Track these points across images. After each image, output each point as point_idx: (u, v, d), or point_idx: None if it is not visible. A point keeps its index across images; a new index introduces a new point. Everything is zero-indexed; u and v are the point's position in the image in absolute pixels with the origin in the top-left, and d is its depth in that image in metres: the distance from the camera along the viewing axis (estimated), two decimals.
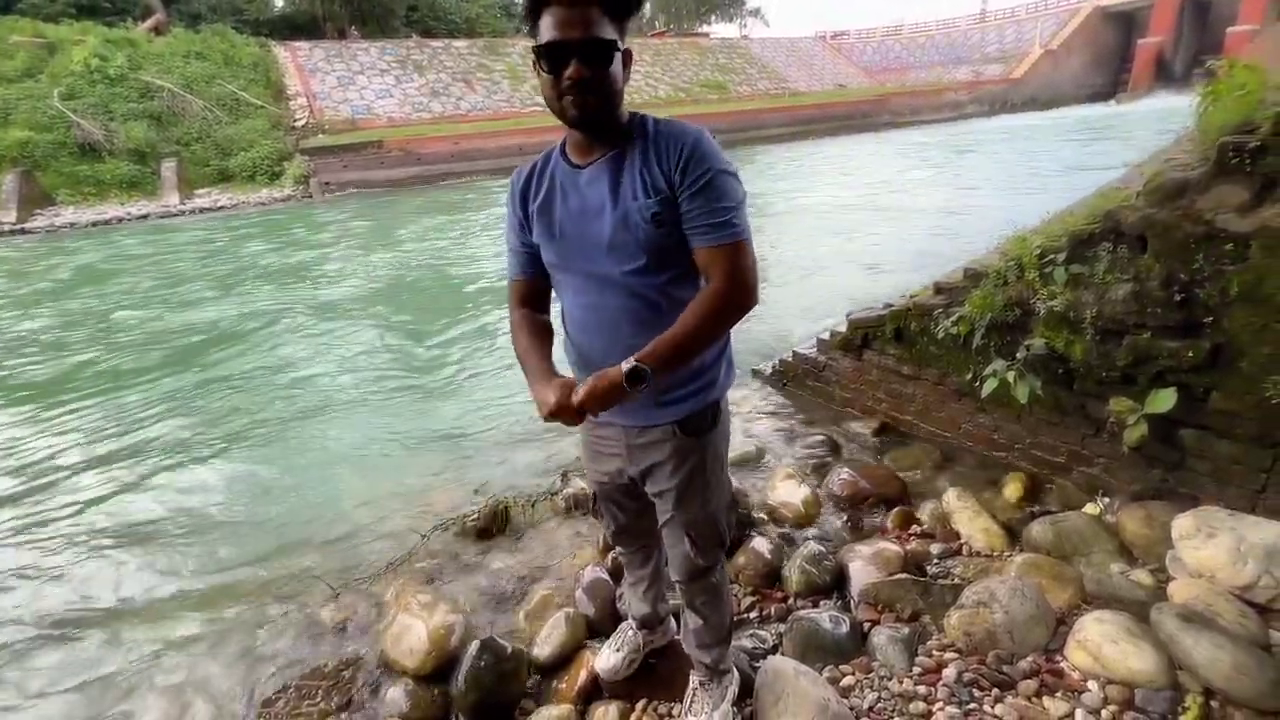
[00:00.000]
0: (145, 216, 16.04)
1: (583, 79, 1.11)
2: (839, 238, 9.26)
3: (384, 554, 2.95)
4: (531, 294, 1.41)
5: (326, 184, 18.37)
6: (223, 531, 3.34)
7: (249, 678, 2.34)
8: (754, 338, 5.26)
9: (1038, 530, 2.35)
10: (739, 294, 1.19)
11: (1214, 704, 1.59)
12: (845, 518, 2.77)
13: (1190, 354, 2.27)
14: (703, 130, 1.22)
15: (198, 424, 4.67)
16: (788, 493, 2.91)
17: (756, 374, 4.46)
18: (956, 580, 2.23)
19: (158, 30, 24.34)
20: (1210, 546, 1.94)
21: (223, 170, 19.07)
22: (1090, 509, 2.59)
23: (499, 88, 27.65)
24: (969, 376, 3.05)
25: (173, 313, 7.72)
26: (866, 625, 2.05)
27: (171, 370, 5.77)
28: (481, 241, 11.19)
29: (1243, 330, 2.16)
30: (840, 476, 2.99)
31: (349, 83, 24.67)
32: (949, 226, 9.09)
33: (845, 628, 2.01)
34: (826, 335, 3.95)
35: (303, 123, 22.00)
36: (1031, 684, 1.73)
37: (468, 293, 7.97)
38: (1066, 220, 2.83)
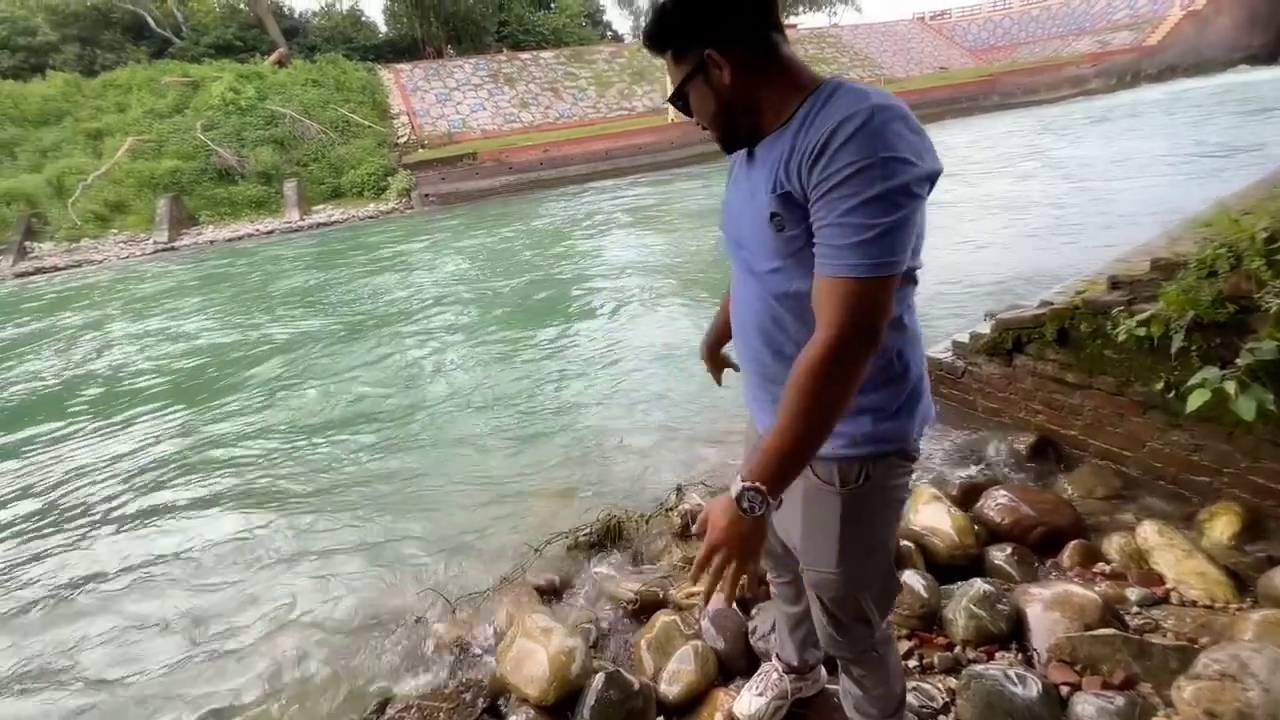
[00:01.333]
0: (271, 232, 17.57)
1: (699, 121, 1.13)
2: (967, 227, 8.51)
3: (496, 567, 2.88)
4: None
5: (427, 195, 19.32)
6: (336, 538, 3.40)
7: (368, 691, 2.32)
8: None
9: (1278, 579, 1.89)
10: (850, 344, 0.90)
11: None
12: (1010, 550, 2.38)
13: None
14: (876, 108, 0.88)
15: (315, 424, 4.88)
16: (934, 518, 2.55)
17: None
18: (1177, 639, 1.82)
19: (281, 63, 26.61)
20: None
21: (335, 187, 20.52)
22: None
23: (585, 95, 28.09)
24: (1160, 386, 2.57)
25: (283, 322, 8.28)
26: (1064, 690, 1.70)
27: (289, 377, 6.12)
28: (575, 241, 11.32)
29: None
30: (997, 500, 2.60)
31: (446, 99, 25.90)
32: (1066, 219, 8.13)
33: (1036, 691, 1.67)
34: (965, 337, 3.53)
35: (405, 139, 23.30)
36: None
37: (567, 294, 8.01)
38: (1269, 206, 2.30)
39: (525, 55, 29.30)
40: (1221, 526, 2.34)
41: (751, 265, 1.11)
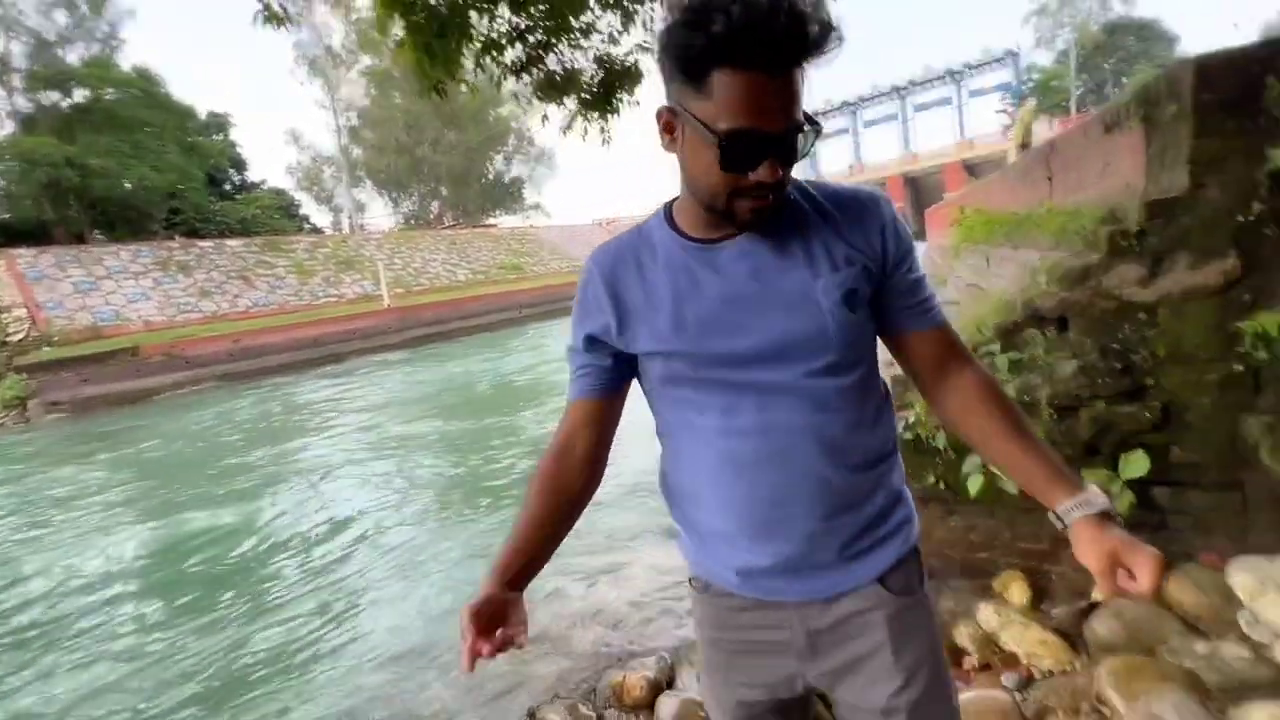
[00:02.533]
0: None
1: (778, 181, 0.78)
2: None
3: None
4: (596, 419, 1.00)
5: (53, 403, 14.80)
6: None
7: None
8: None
9: (1102, 628, 2.16)
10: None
11: None
12: None
13: (1146, 415, 2.41)
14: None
15: None
16: None
17: None
18: (1067, 714, 1.88)
19: None
20: None
21: None
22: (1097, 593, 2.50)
23: (284, 282, 25.99)
24: (932, 480, 2.97)
25: None
26: None
27: None
28: (267, 441, 9.54)
29: (1181, 386, 2.36)
30: None
31: (91, 288, 21.26)
32: None
33: None
34: None
35: (19, 337, 18.05)
36: None
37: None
38: (975, 318, 3.05)
39: (206, 243, 26.27)
40: (1016, 594, 2.66)
41: (781, 374, 0.88)
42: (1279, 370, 2.21)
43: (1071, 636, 2.26)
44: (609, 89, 5.58)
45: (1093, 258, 2.47)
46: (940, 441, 2.83)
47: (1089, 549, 0.81)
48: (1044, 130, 18.77)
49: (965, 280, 4.67)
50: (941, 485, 2.94)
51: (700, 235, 0.91)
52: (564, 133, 5.84)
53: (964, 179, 39.07)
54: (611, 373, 0.97)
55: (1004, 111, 42.59)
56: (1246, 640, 1.96)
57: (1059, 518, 0.85)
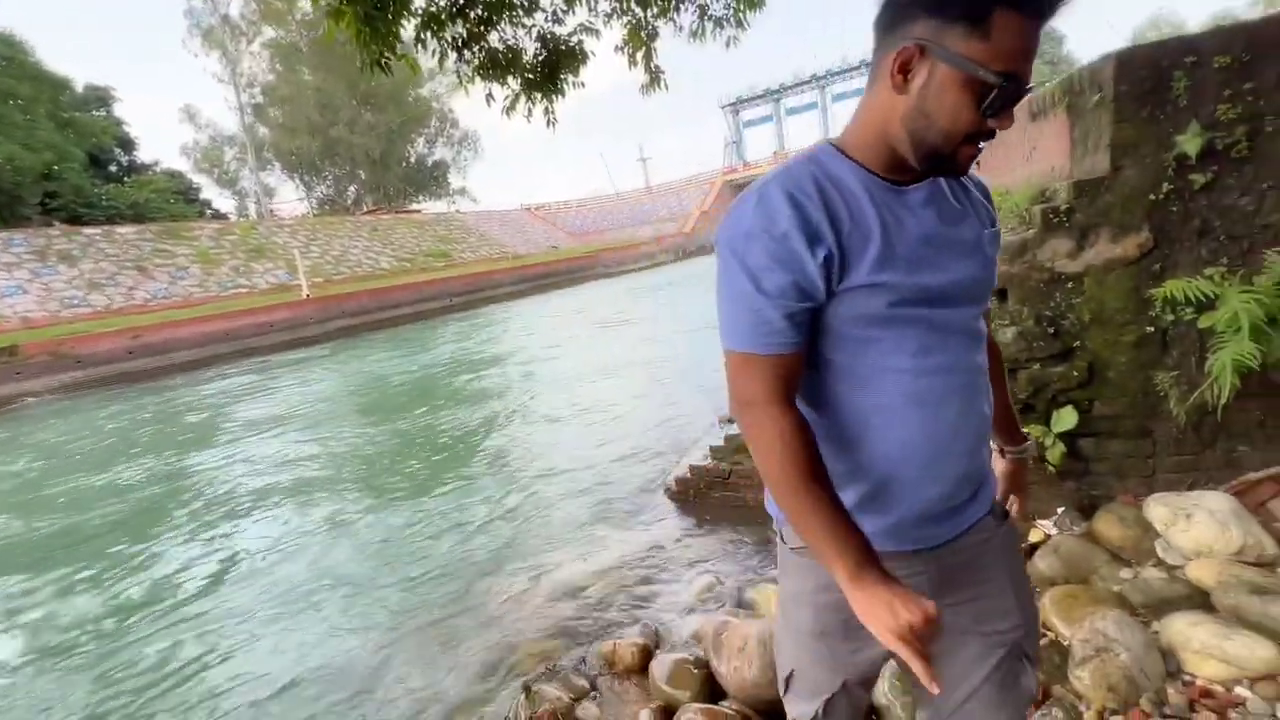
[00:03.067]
0: None
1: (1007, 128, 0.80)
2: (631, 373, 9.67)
3: None
4: (795, 380, 0.87)
5: None
6: None
7: None
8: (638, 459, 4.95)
9: (1042, 563, 2.41)
10: None
11: None
12: None
13: (1074, 374, 2.69)
14: None
15: None
16: None
17: (655, 497, 4.12)
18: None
19: None
20: (1195, 526, 2.17)
21: None
22: (1036, 534, 2.78)
23: (187, 273, 24.06)
24: None
25: None
26: None
27: None
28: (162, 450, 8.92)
29: (1102, 347, 2.65)
30: None
31: None
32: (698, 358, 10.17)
33: None
34: (721, 442, 3.86)
35: None
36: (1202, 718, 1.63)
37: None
38: None
39: (92, 230, 23.87)
40: None
41: (966, 314, 0.92)
42: (1182, 330, 2.53)
43: None
44: (553, 69, 5.52)
45: (1029, 233, 2.72)
46: None
47: (1004, 481, 1.15)
48: None
49: None
50: None
51: (891, 176, 0.87)
52: (507, 113, 5.73)
53: None
54: (809, 322, 0.85)
55: None
56: (1162, 564, 2.25)
57: (1003, 454, 1.16)
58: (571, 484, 4.89)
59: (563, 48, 5.60)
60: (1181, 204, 2.44)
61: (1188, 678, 1.77)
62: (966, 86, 0.74)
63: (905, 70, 0.78)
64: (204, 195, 39.14)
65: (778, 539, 1.06)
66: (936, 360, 0.88)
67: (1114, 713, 1.70)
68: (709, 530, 3.63)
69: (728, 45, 5.95)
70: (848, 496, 0.89)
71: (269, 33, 42.15)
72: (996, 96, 0.74)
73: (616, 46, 5.57)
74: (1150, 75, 2.39)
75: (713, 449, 3.87)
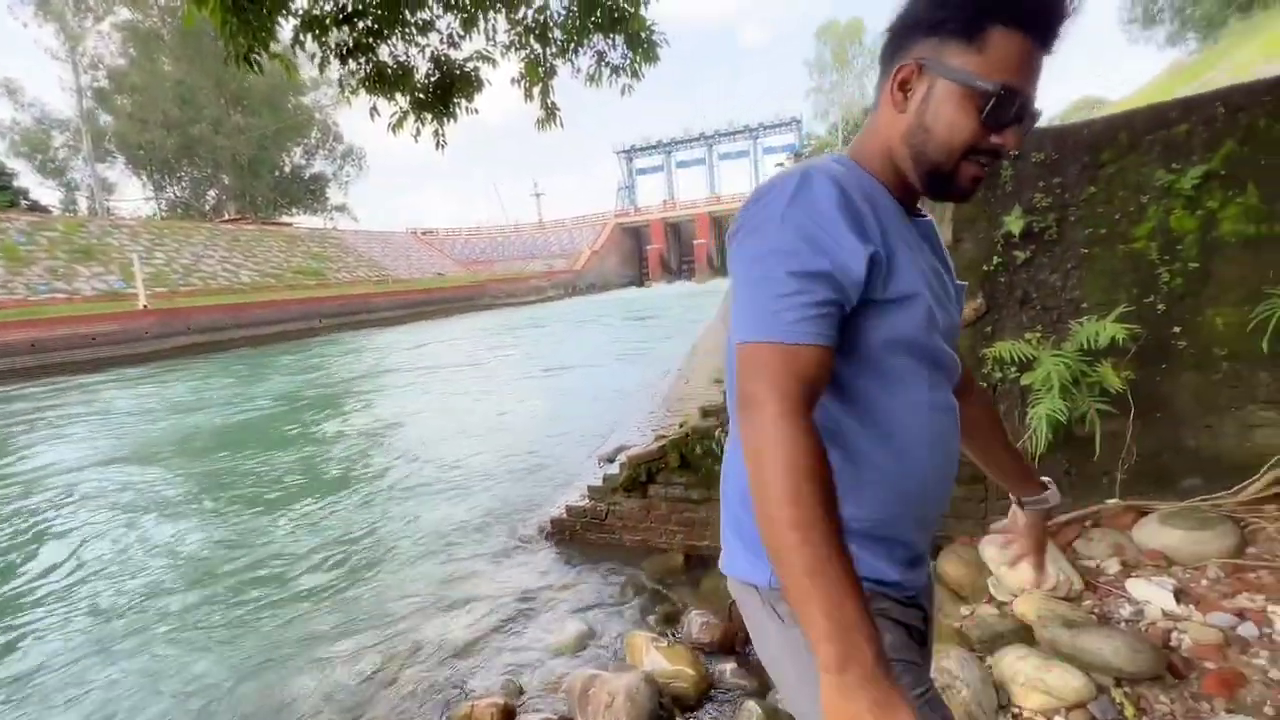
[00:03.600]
0: None
1: (1002, 152, 0.77)
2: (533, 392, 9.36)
3: None
4: (816, 388, 0.71)
5: None
6: None
7: None
8: (502, 499, 4.68)
9: None
10: None
11: (1127, 690, 1.88)
12: (733, 664, 2.49)
13: None
14: None
15: None
16: (661, 661, 2.49)
17: (526, 541, 3.92)
18: None
19: None
20: (1019, 566, 2.39)
21: None
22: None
23: None
24: None
25: None
26: None
27: None
28: None
29: None
30: (697, 622, 2.73)
31: None
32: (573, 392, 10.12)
33: None
34: (599, 482, 3.78)
35: None
36: None
37: None
38: None
39: None
40: None
41: (953, 360, 0.88)
42: (1008, 387, 2.84)
43: None
44: (445, 91, 5.39)
45: None
46: None
47: (1028, 535, 1.14)
48: None
49: None
50: None
51: (905, 205, 0.84)
52: (393, 130, 5.48)
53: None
54: (838, 324, 0.73)
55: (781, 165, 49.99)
56: (994, 601, 2.46)
57: (1021, 505, 1.12)
58: (432, 532, 4.54)
59: (457, 72, 5.49)
60: (1008, 275, 2.78)
61: (1015, 710, 1.91)
62: (964, 98, 0.74)
63: (904, 88, 0.78)
64: (20, 183, 33.67)
65: (764, 605, 0.83)
66: (943, 396, 0.84)
67: None
68: (583, 575, 3.50)
69: (623, 93, 6.14)
70: (864, 538, 0.80)
71: (124, 14, 37.91)
72: (995, 105, 0.72)
73: (513, 79, 5.55)
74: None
75: (590, 489, 3.78)
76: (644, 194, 59.64)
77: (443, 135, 5.68)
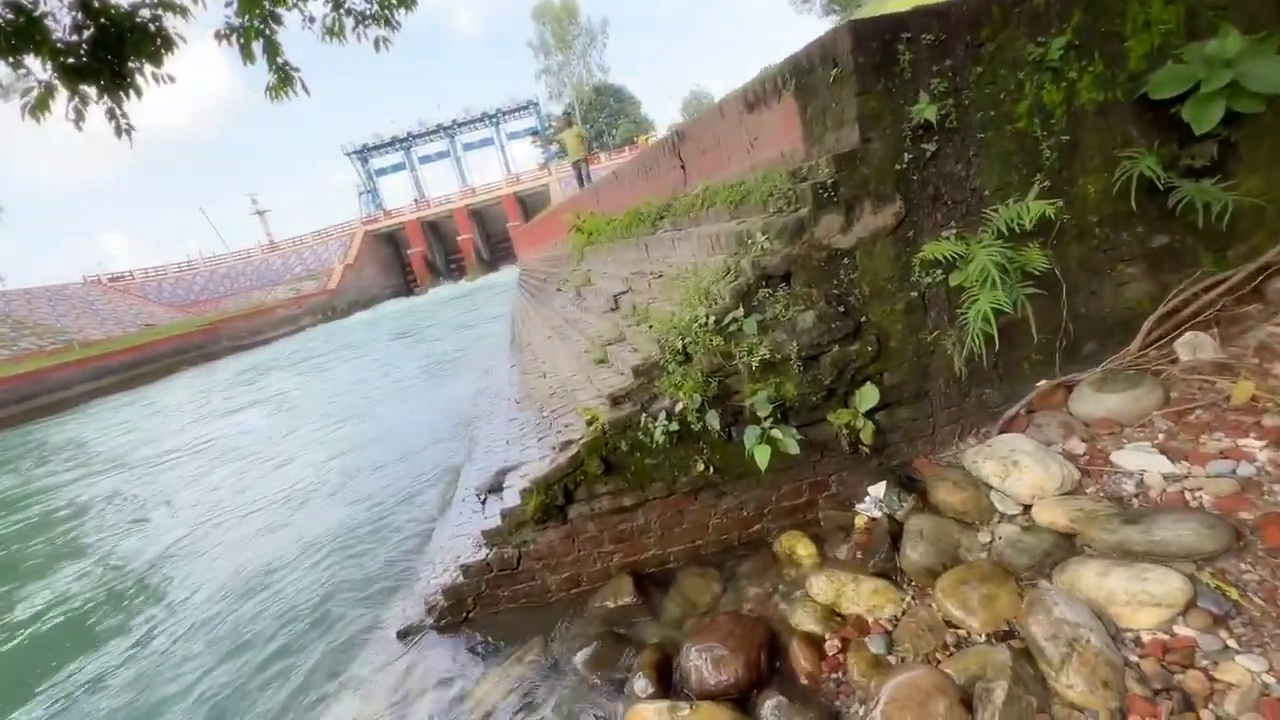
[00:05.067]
0: None
1: None
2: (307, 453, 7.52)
3: None
4: None
5: None
6: None
7: None
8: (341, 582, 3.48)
9: (916, 553, 2.21)
10: None
11: (1211, 570, 1.73)
12: (777, 699, 1.93)
13: (867, 348, 2.63)
14: None
15: None
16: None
17: (412, 634, 2.90)
18: (937, 650, 1.82)
19: None
20: (1025, 471, 2.21)
21: None
22: (860, 520, 2.66)
23: None
24: (701, 467, 2.74)
25: None
26: None
27: None
28: None
29: (882, 317, 2.65)
30: (695, 661, 2.12)
31: None
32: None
33: None
34: (495, 522, 2.91)
35: None
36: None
37: None
38: (696, 290, 2.93)
39: None
40: (803, 549, 2.65)
41: None
42: (935, 291, 2.67)
43: (890, 574, 2.28)
44: (113, 52, 3.77)
45: (803, 211, 2.58)
46: (711, 423, 2.61)
47: None
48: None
49: (627, 270, 4.76)
50: (710, 470, 2.74)
51: None
52: (33, 115, 3.71)
53: (517, 208, 43.87)
54: None
55: (539, 146, 50.01)
56: (1006, 518, 2.25)
57: None
58: (248, 668, 3.23)
59: (125, 23, 3.90)
60: (919, 173, 2.56)
61: (1131, 634, 1.66)
62: None
63: None
64: None
65: None
66: None
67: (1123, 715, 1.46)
68: (511, 655, 2.63)
69: (377, 47, 4.98)
70: None
71: None
72: None
73: (219, 33, 4.11)
74: (880, 48, 2.45)
75: (487, 534, 2.89)
76: (391, 196, 54.70)
77: (124, 118, 4.03)
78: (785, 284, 2.64)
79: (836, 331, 2.59)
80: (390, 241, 49.21)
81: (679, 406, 2.63)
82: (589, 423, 2.82)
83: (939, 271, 2.62)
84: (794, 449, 2.49)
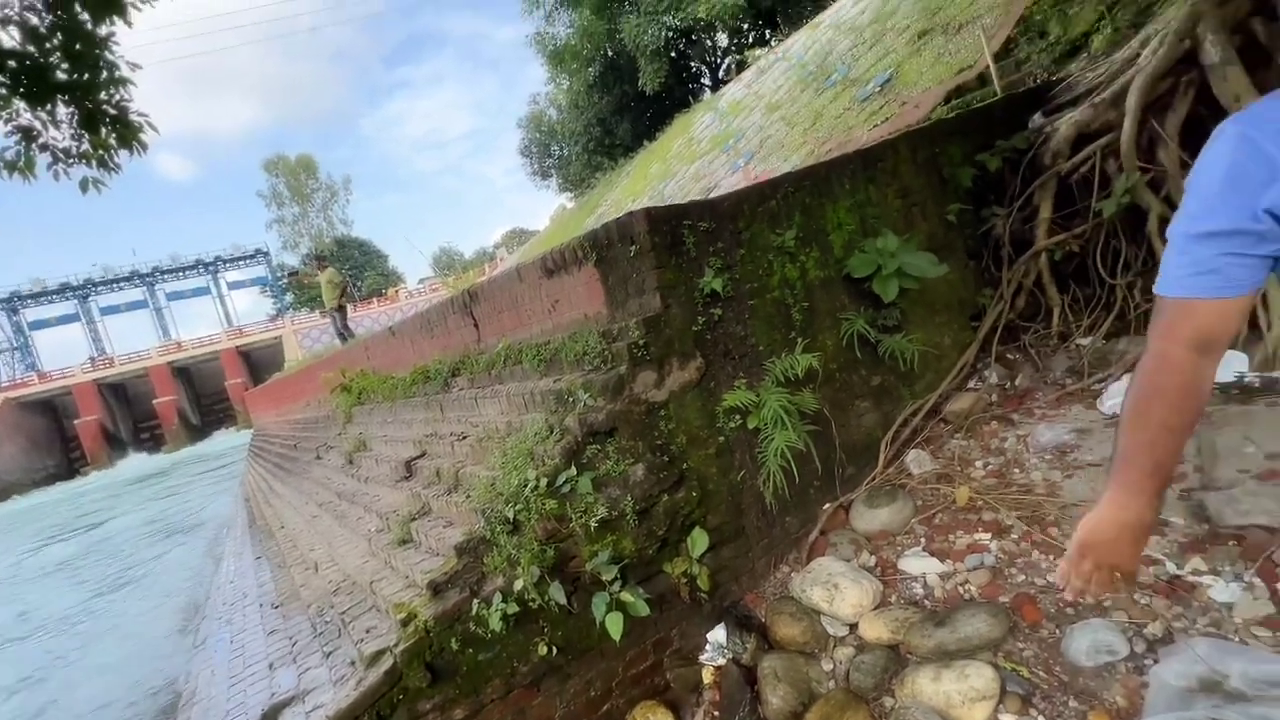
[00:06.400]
0: None
1: None
2: None
3: None
4: (1235, 323, 0.87)
5: None
6: None
7: None
8: None
9: (777, 699, 2.22)
10: None
11: (1002, 654, 2.05)
12: None
13: (692, 494, 2.76)
14: None
15: None
16: None
17: None
18: None
19: None
20: (844, 592, 2.44)
21: None
22: (708, 673, 2.64)
23: None
24: (543, 650, 2.46)
25: None
26: None
27: None
28: None
29: (699, 463, 2.83)
30: None
31: None
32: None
33: None
34: (353, 694, 2.18)
35: None
36: None
37: None
38: (516, 451, 2.80)
39: None
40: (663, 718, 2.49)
41: None
42: (737, 434, 2.97)
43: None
44: None
45: (621, 369, 2.72)
46: (556, 595, 2.40)
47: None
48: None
49: (418, 432, 4.33)
50: (553, 651, 2.48)
51: None
52: None
53: (239, 364, 38.31)
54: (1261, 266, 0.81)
55: (270, 296, 45.46)
56: (839, 641, 2.42)
57: None
58: None
59: None
60: (712, 333, 2.94)
61: None
62: None
63: None
64: None
65: None
66: None
67: None
68: None
69: (84, 188, 4.26)
70: None
71: None
72: None
73: None
74: (670, 230, 2.85)
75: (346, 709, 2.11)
76: (57, 353, 43.41)
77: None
78: (611, 438, 2.70)
79: (665, 481, 2.69)
80: (47, 410, 38.43)
81: (517, 584, 2.38)
82: (404, 622, 2.38)
83: (738, 417, 2.95)
84: (644, 610, 2.42)
